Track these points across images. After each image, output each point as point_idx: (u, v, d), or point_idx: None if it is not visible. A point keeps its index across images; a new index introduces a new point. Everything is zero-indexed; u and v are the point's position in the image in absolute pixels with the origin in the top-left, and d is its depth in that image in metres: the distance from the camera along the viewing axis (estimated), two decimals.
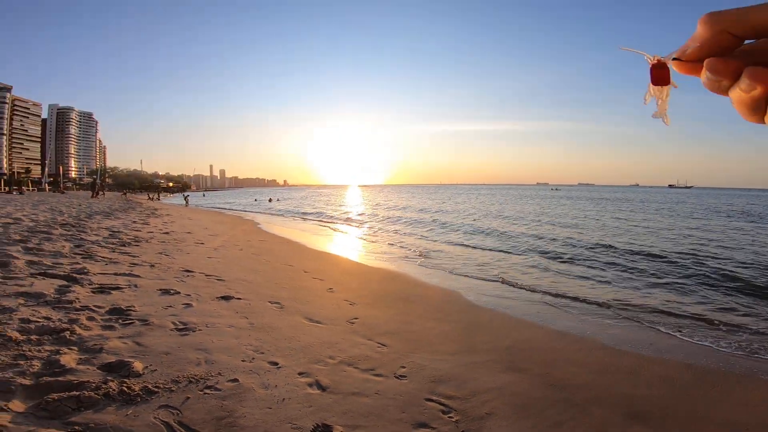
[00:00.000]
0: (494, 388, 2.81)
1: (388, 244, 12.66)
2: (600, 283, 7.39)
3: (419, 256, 10.09)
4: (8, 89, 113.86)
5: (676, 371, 3.49)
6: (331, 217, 24.69)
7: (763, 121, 0.29)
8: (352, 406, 2.38)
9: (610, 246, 11.75)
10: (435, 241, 13.42)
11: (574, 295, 6.32)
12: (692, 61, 0.30)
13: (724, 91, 0.29)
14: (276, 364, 2.81)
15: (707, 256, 10.18)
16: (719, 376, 3.43)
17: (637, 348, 4.04)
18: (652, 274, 8.15)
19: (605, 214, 26.09)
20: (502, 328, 4.45)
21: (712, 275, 7.99)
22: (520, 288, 6.74)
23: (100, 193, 48.01)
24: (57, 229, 8.97)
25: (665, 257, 10.05)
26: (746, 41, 0.29)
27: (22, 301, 3.41)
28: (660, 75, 0.33)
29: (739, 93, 0.28)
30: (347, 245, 12.82)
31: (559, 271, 8.49)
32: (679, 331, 4.67)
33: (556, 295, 6.27)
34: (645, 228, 17.70)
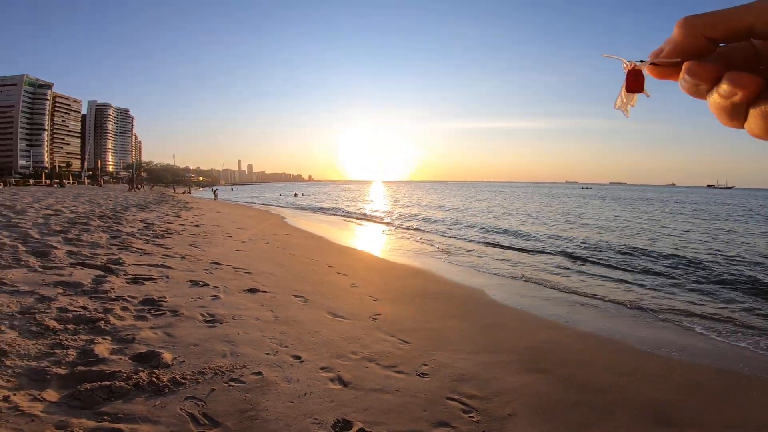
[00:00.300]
0: (516, 389, 2.76)
1: (411, 240, 12.63)
2: (628, 284, 7.14)
3: (442, 253, 10.02)
4: (49, 86, 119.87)
5: (707, 375, 3.36)
6: (355, 212, 24.81)
7: (742, 127, 0.28)
8: (373, 403, 2.38)
9: (639, 248, 11.32)
10: (458, 238, 13.29)
11: (600, 295, 6.12)
12: (668, 66, 0.30)
13: (703, 95, 0.28)
14: (299, 358, 2.85)
15: (743, 260, 9.65)
16: (754, 381, 3.27)
17: (667, 351, 3.90)
18: (684, 277, 7.81)
19: (636, 215, 25.15)
20: (525, 328, 4.37)
21: (748, 280, 7.58)
22: (544, 287, 6.59)
23: (138, 186, 49.96)
24: (95, 220, 9.40)
25: (699, 259, 9.60)
26: (722, 44, 0.29)
27: (61, 291, 3.60)
28: (635, 82, 0.33)
29: (717, 98, 0.27)
30: (371, 241, 12.86)
31: (585, 271, 8.25)
32: (715, 333, 4.48)
33: (583, 295, 6.09)
34: (677, 229, 16.96)
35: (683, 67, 0.29)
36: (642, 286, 7.03)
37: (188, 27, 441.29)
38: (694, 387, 3.12)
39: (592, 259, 9.49)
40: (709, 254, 10.43)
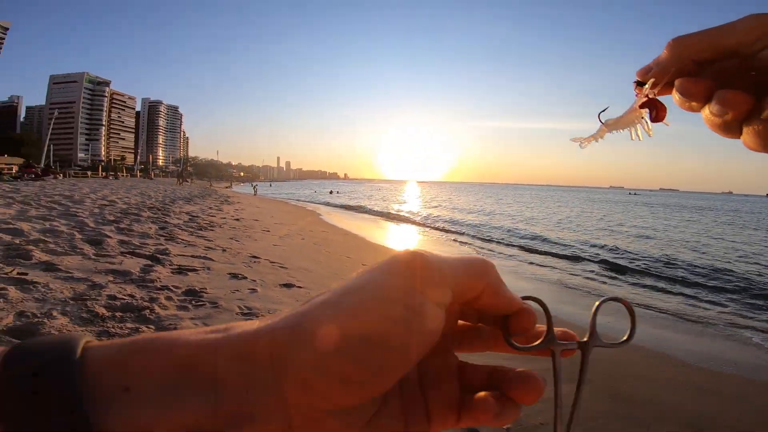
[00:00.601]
0: (552, 398, 2.67)
1: (446, 241, 12.49)
2: (676, 296, 6.71)
3: (477, 254, 9.84)
4: (107, 83, 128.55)
5: (758, 389, 3.16)
6: (389, 211, 24.86)
7: (738, 138, 0.27)
8: None
9: (686, 258, 10.63)
10: (493, 240, 13.00)
11: (646, 304, 5.80)
12: (657, 87, 0.30)
13: (696, 110, 0.28)
14: None
15: None
16: None
17: (717, 364, 3.69)
18: (734, 290, 7.23)
19: (686, 224, 23.62)
20: None
21: None
22: (585, 294, 6.33)
23: (187, 180, 52.43)
24: (145, 212, 9.93)
25: (752, 271, 8.88)
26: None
27: (111, 278, 3.80)
28: (661, 110, 0.32)
29: (709, 115, 0.27)
30: (404, 240, 12.83)
31: (629, 281, 7.84)
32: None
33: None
34: (727, 239, 15.78)
35: (675, 85, 0.28)
36: (690, 297, 6.61)
37: (233, 30, 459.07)
38: (743, 401, 2.96)
39: (635, 268, 9.01)
40: (765, 267, 9.63)
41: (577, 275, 7.96)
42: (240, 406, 0.22)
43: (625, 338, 0.32)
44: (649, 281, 7.80)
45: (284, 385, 0.23)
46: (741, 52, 0.26)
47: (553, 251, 10.97)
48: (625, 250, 11.50)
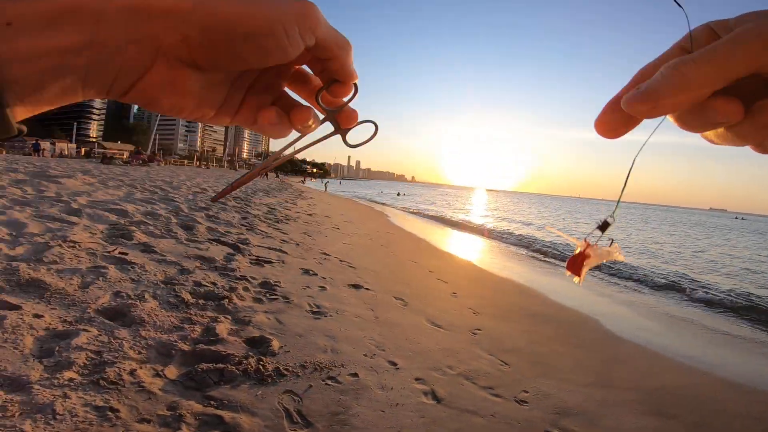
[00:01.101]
0: (633, 431, 2.41)
1: (517, 254, 11.93)
2: None
3: (551, 272, 9.24)
4: None
5: None
6: (456, 218, 24.40)
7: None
8: (464, 425, 2.25)
9: None
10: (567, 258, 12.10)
11: (751, 338, 5.05)
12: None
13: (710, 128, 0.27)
14: (395, 364, 2.82)
15: None
16: None
17: None
18: None
19: None
20: (648, 366, 3.87)
21: None
22: (671, 322, 5.70)
23: (276, 175, 55.99)
24: (231, 201, 10.75)
25: None
26: None
27: (198, 264, 4.13)
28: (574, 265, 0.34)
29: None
30: (472, 249, 12.48)
31: (719, 308, 6.90)
32: None
33: (732, 336, 5.12)
34: None
35: (712, 106, 0.25)
36: None
37: None
38: None
39: (731, 297, 7.90)
40: None
41: (664, 303, 7.14)
42: (115, 39, 0.26)
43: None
44: (748, 314, 6.76)
45: (161, 30, 0.27)
46: (762, 73, 0.24)
47: (637, 276, 9.95)
48: (720, 276, 10.11)
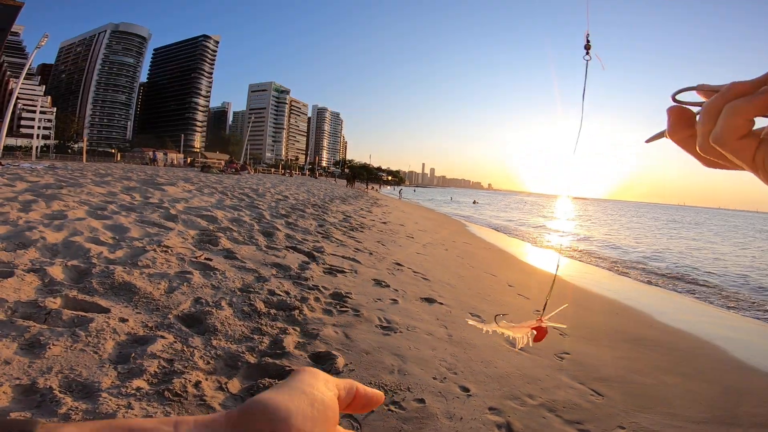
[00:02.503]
0: None
1: (611, 269, 10.69)
2: None
3: (654, 290, 8.07)
4: (287, 92, 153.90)
5: None
6: (539, 227, 22.87)
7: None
8: None
9: None
10: (675, 277, 10.56)
11: None
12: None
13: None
14: (467, 390, 2.50)
15: None
16: None
17: None
18: None
19: None
20: None
21: None
22: None
23: (360, 184, 58.08)
24: (309, 208, 11.11)
25: None
26: None
27: (274, 272, 4.17)
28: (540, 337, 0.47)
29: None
30: (559, 263, 11.47)
31: None
32: None
33: None
34: None
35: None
36: None
37: (387, 44, 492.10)
38: None
39: None
40: None
41: None
42: None
43: None
44: None
45: None
46: None
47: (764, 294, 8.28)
48: None
